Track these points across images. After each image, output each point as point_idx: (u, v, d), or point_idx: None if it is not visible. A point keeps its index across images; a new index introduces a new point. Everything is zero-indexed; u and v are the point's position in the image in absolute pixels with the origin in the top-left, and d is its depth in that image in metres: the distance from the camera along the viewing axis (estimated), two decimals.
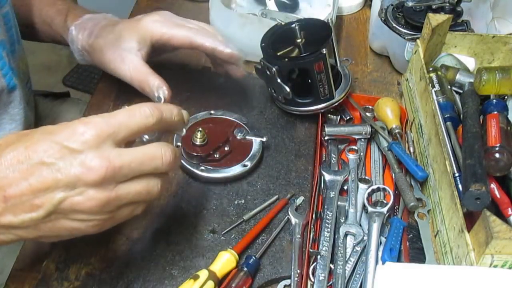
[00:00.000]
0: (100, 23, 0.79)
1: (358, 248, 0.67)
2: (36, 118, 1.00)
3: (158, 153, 0.51)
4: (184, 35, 0.73)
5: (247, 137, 0.78)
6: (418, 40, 0.82)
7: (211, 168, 0.74)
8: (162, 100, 0.70)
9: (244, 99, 0.86)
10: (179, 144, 0.75)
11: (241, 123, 0.80)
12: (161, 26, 0.73)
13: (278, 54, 0.79)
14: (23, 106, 0.78)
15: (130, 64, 0.73)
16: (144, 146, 0.51)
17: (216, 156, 0.74)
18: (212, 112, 0.81)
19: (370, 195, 0.71)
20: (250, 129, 0.79)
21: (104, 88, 0.87)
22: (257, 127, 0.81)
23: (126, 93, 0.79)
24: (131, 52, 0.73)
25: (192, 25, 0.76)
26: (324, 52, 0.75)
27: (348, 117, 0.85)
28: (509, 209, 0.64)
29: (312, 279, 0.63)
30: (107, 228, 0.52)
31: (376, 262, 0.63)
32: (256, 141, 0.77)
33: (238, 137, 0.78)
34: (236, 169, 0.74)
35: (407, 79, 0.86)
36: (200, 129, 0.74)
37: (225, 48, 0.74)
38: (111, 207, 0.50)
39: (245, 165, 0.75)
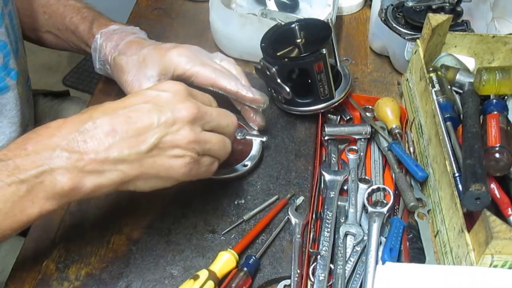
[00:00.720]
0: (127, 37, 0.78)
1: (358, 248, 0.67)
2: (36, 117, 1.00)
3: (229, 113, 0.63)
4: (208, 76, 0.73)
5: (247, 137, 0.77)
6: (418, 40, 0.82)
7: None
8: None
9: None
10: None
11: (241, 123, 0.80)
12: (186, 62, 0.73)
13: (278, 54, 0.79)
14: (19, 108, 0.78)
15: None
16: (215, 107, 0.62)
17: None
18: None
19: (370, 195, 0.71)
20: (250, 129, 0.79)
21: (104, 88, 0.87)
22: (266, 143, 0.80)
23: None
24: (150, 80, 0.73)
25: (218, 65, 0.75)
26: (324, 52, 0.75)
27: (348, 117, 0.85)
28: (509, 209, 0.64)
29: (312, 279, 0.63)
30: (193, 176, 0.60)
31: (376, 262, 0.63)
32: (256, 141, 0.77)
33: (238, 137, 0.78)
34: (236, 169, 0.74)
35: (407, 79, 0.86)
36: None
37: (247, 93, 0.74)
38: (200, 146, 0.58)
39: (245, 165, 0.75)
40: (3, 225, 0.51)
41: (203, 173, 0.61)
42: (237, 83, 0.73)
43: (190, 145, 0.57)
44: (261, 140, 0.77)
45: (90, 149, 0.53)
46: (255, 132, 0.79)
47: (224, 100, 0.75)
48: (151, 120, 0.55)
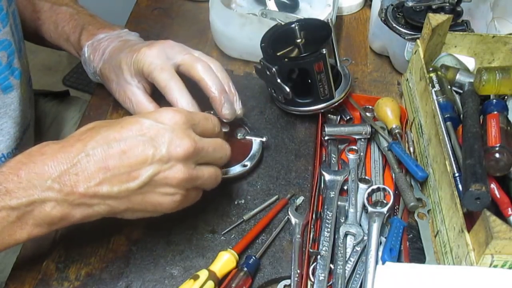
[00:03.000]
0: (111, 44, 0.77)
1: (358, 248, 0.67)
2: (36, 117, 1.00)
3: (224, 145, 0.62)
4: (161, 84, 0.69)
5: (247, 137, 0.78)
6: (418, 40, 0.82)
7: None
8: None
9: (244, 99, 0.86)
10: None
11: (241, 123, 0.80)
12: (149, 63, 0.69)
13: (278, 54, 0.79)
14: (22, 108, 0.78)
15: (132, 98, 0.73)
16: (212, 138, 0.61)
17: None
18: (212, 112, 0.81)
19: (370, 195, 0.71)
20: (250, 129, 0.79)
21: (104, 88, 0.87)
22: (257, 127, 0.81)
23: None
24: (132, 84, 0.73)
25: (183, 66, 0.70)
26: (324, 52, 0.75)
27: (348, 117, 0.85)
28: (509, 209, 0.64)
29: (312, 279, 0.63)
30: (180, 208, 0.60)
31: (376, 262, 0.63)
32: (256, 141, 0.77)
33: (238, 137, 0.78)
34: (235, 169, 0.74)
35: (407, 79, 0.86)
36: None
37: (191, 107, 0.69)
38: (191, 183, 0.57)
39: (244, 165, 0.75)
40: None
41: (188, 204, 0.61)
42: (181, 99, 0.68)
43: (181, 183, 0.56)
44: (261, 140, 0.77)
45: (81, 183, 0.52)
46: (254, 132, 0.79)
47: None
48: (145, 157, 0.54)
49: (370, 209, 0.69)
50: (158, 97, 0.73)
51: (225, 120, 0.73)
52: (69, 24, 0.83)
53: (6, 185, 0.51)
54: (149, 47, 0.71)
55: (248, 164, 0.75)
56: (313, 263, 0.65)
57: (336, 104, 0.81)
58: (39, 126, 1.00)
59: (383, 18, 0.92)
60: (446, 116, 0.74)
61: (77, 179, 0.52)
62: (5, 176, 0.52)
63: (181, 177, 0.55)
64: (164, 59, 0.70)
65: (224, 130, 0.72)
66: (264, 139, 0.77)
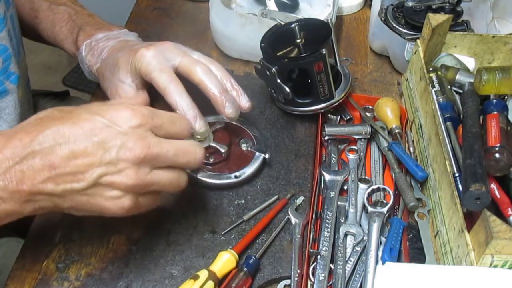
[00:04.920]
0: (109, 44, 0.77)
1: (358, 248, 0.67)
2: None
3: (192, 149, 0.57)
4: (160, 85, 0.68)
5: (250, 149, 0.76)
6: (418, 40, 0.82)
7: (201, 170, 0.72)
8: None
9: None
10: None
11: (251, 134, 0.79)
12: (148, 64, 0.68)
13: (278, 54, 0.79)
14: (19, 111, 0.77)
15: (123, 95, 0.72)
16: (180, 140, 0.57)
17: (210, 160, 0.73)
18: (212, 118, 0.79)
19: (370, 195, 0.71)
20: (258, 142, 0.78)
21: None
22: (265, 142, 0.79)
23: None
24: (125, 82, 0.72)
25: (182, 67, 0.69)
26: (324, 52, 0.75)
27: (348, 117, 0.85)
28: (509, 209, 0.64)
29: (312, 279, 0.63)
30: (130, 214, 0.56)
31: (376, 262, 0.63)
32: (258, 156, 0.75)
33: (243, 147, 0.76)
34: (225, 178, 0.73)
35: (407, 79, 0.86)
36: None
37: (191, 117, 0.67)
38: (143, 188, 0.54)
39: (236, 176, 0.73)
40: None
41: (145, 209, 0.58)
42: (181, 101, 0.67)
43: (129, 188, 0.53)
44: (263, 156, 0.75)
45: (26, 180, 0.51)
46: (260, 147, 0.77)
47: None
48: (93, 159, 0.52)
49: (370, 209, 0.69)
50: (153, 97, 0.73)
51: (229, 120, 0.71)
52: (67, 24, 0.83)
53: None
54: (148, 48, 0.70)
55: (240, 176, 0.73)
56: (313, 263, 0.65)
57: (336, 104, 0.81)
58: None
59: (383, 18, 0.92)
60: (446, 116, 0.74)
61: (22, 176, 0.51)
62: None
63: (128, 182, 0.52)
64: (163, 61, 0.69)
65: (221, 150, 0.72)
66: (267, 156, 0.75)
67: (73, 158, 0.51)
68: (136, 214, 0.57)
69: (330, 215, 0.69)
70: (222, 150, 0.73)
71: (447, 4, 0.88)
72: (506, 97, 0.76)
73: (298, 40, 0.83)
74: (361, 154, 0.79)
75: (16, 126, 0.54)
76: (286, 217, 0.70)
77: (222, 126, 0.77)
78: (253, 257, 0.64)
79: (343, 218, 0.70)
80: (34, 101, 1.04)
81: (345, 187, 0.74)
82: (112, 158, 0.52)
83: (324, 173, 0.74)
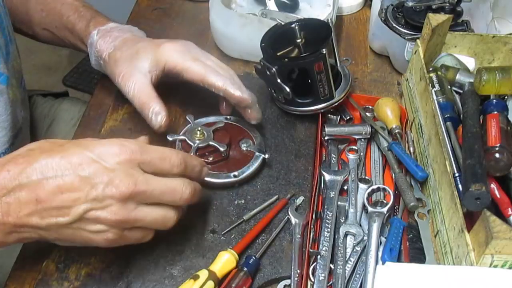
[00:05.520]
0: (124, 35, 0.78)
1: (358, 248, 0.67)
2: (35, 118, 1.00)
3: (179, 188, 0.57)
4: (197, 72, 0.72)
5: (250, 149, 0.76)
6: (418, 40, 0.82)
7: None
8: (158, 124, 0.70)
9: None
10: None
11: (251, 134, 0.79)
12: (178, 56, 0.73)
13: (278, 54, 0.79)
14: (10, 112, 0.77)
15: (136, 82, 0.72)
16: (169, 178, 0.57)
17: (210, 159, 0.73)
18: (228, 117, 0.80)
19: (370, 195, 0.71)
20: (257, 142, 0.78)
21: (104, 88, 0.87)
22: (265, 143, 0.79)
23: None
24: (141, 71, 0.73)
25: (210, 62, 0.75)
26: (324, 52, 0.75)
27: (348, 117, 0.85)
28: (509, 209, 0.64)
29: (312, 279, 0.63)
30: (115, 245, 0.57)
31: (376, 262, 0.63)
32: (257, 156, 0.75)
33: (242, 148, 0.76)
34: (224, 177, 0.73)
35: (407, 79, 0.86)
36: (200, 128, 0.74)
37: (235, 91, 0.72)
38: (128, 224, 0.55)
39: (235, 175, 0.73)
40: None
41: (133, 242, 0.59)
42: (225, 81, 0.72)
43: (115, 224, 0.54)
44: (263, 157, 0.75)
45: (12, 212, 0.52)
46: (260, 147, 0.77)
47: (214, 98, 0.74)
48: (79, 194, 0.52)
49: (370, 209, 0.69)
50: (164, 94, 0.73)
51: (255, 121, 0.77)
52: (75, 14, 0.83)
53: None
54: (173, 42, 0.74)
55: (238, 175, 0.73)
56: (313, 263, 0.65)
57: (336, 104, 0.81)
58: (37, 127, 1.00)
59: (383, 18, 0.92)
60: (446, 116, 0.74)
61: (8, 208, 0.51)
62: None
63: (113, 218, 0.53)
64: (192, 54, 0.74)
65: (221, 148, 0.73)
66: (266, 156, 0.75)
67: (59, 193, 0.52)
68: (119, 245, 0.58)
69: (330, 215, 0.69)
70: (221, 149, 0.73)
71: (447, 4, 0.87)
72: (506, 97, 0.76)
73: (298, 40, 0.83)
74: (361, 154, 0.79)
75: (6, 156, 0.55)
76: (286, 217, 0.70)
77: (222, 126, 0.77)
78: (253, 257, 0.64)
79: (343, 218, 0.70)
80: (34, 101, 1.04)
81: (345, 187, 0.74)
82: (98, 194, 0.52)
83: (324, 173, 0.74)
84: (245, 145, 0.77)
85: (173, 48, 0.74)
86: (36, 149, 0.54)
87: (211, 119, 0.79)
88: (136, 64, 0.73)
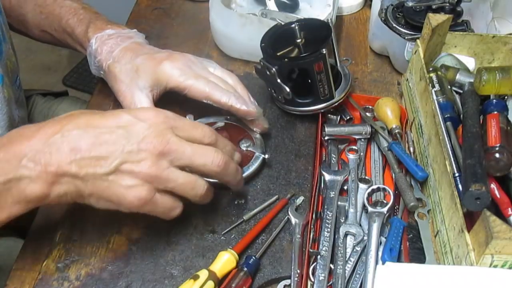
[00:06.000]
0: (122, 43, 0.77)
1: (358, 248, 0.67)
2: (34, 117, 1.00)
3: (210, 153, 0.60)
4: (201, 90, 0.72)
5: (250, 149, 0.76)
6: (418, 40, 0.82)
7: None
8: None
9: None
10: None
11: (251, 134, 0.78)
12: (179, 75, 0.73)
13: (278, 54, 0.79)
14: (5, 111, 0.76)
15: (138, 103, 0.73)
16: (202, 145, 0.60)
17: None
18: (228, 117, 0.80)
19: (370, 195, 0.71)
20: (257, 142, 0.77)
21: (104, 88, 0.87)
22: (265, 143, 0.79)
23: None
24: (143, 91, 0.73)
25: (213, 78, 0.74)
26: (324, 52, 0.75)
27: (348, 117, 0.85)
28: (509, 209, 0.64)
29: (312, 279, 0.63)
30: (149, 212, 0.59)
31: (376, 262, 0.63)
32: (257, 156, 0.75)
33: (242, 148, 0.76)
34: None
35: (407, 79, 0.86)
36: None
37: (241, 106, 0.73)
38: (160, 183, 0.57)
39: None
40: None
41: (161, 214, 0.60)
42: (230, 97, 0.72)
43: (148, 178, 0.56)
44: (263, 157, 0.75)
45: (53, 161, 0.54)
46: (260, 147, 0.77)
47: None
48: (116, 147, 0.56)
49: (370, 209, 0.69)
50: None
51: (262, 131, 0.78)
52: (74, 17, 0.83)
53: None
54: (173, 59, 0.74)
55: None
56: (313, 263, 0.65)
57: (336, 104, 0.81)
58: None
59: (383, 18, 0.92)
60: (446, 116, 0.74)
61: (50, 158, 0.54)
62: None
63: (147, 171, 0.56)
64: (193, 70, 0.74)
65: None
66: (266, 156, 0.75)
67: (98, 144, 0.55)
68: (149, 211, 0.59)
69: (330, 215, 0.69)
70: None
71: (447, 4, 0.87)
72: (506, 97, 0.76)
73: (298, 40, 0.83)
74: (361, 154, 0.79)
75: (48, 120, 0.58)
76: (286, 217, 0.70)
77: (222, 126, 0.77)
78: (253, 257, 0.64)
79: (343, 218, 0.70)
80: (34, 100, 1.04)
81: (345, 187, 0.74)
82: (133, 148, 0.56)
83: (324, 173, 0.74)
84: (245, 145, 0.77)
85: (173, 66, 0.73)
86: (76, 113, 0.58)
87: (211, 119, 0.79)
88: (137, 82, 0.73)
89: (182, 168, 0.58)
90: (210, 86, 0.72)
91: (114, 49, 0.77)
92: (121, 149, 0.55)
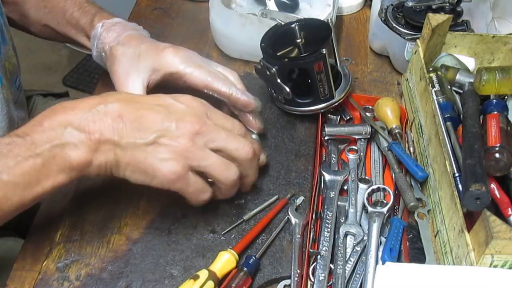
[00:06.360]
0: (129, 32, 0.78)
1: (358, 248, 0.67)
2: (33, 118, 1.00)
3: (242, 140, 0.63)
4: (201, 77, 0.72)
5: None
6: (418, 40, 0.82)
7: None
8: None
9: None
10: None
11: (249, 135, 0.74)
12: (180, 62, 0.73)
13: (278, 54, 0.79)
14: (5, 112, 0.76)
15: (130, 86, 0.73)
16: (230, 131, 0.63)
17: None
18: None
19: (370, 195, 0.71)
20: (255, 138, 0.75)
21: (104, 89, 0.87)
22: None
23: None
24: (139, 75, 0.73)
25: (213, 69, 0.75)
26: (324, 52, 0.75)
27: (348, 117, 0.85)
28: (509, 209, 0.64)
29: (312, 279, 0.63)
30: (179, 190, 0.62)
31: (376, 262, 0.63)
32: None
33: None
34: None
35: (407, 79, 0.86)
36: None
37: (241, 96, 0.73)
38: (194, 159, 0.59)
39: None
40: (23, 196, 0.55)
41: (191, 195, 0.63)
42: (230, 87, 0.73)
43: (184, 153, 0.59)
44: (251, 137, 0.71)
45: (97, 129, 0.57)
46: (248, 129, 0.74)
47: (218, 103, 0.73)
48: (156, 121, 0.59)
49: (370, 209, 0.69)
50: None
51: (257, 131, 0.77)
52: (79, 10, 0.83)
53: (31, 136, 0.56)
54: (177, 48, 0.75)
55: None
56: (313, 263, 0.65)
57: (336, 104, 0.81)
58: None
59: (383, 18, 0.92)
60: (446, 116, 0.74)
61: (94, 126, 0.57)
62: (31, 128, 0.57)
63: (183, 146, 0.58)
64: (195, 61, 0.74)
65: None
66: (254, 137, 0.74)
67: (139, 117, 0.59)
68: (180, 189, 0.61)
69: (330, 215, 0.69)
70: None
71: (447, 4, 0.87)
72: (506, 97, 0.76)
73: (298, 40, 0.83)
74: (361, 154, 0.79)
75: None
76: (286, 217, 0.70)
77: None
78: (253, 257, 0.64)
79: (343, 218, 0.70)
80: (34, 101, 1.04)
81: (345, 187, 0.74)
82: (172, 125, 0.59)
83: (324, 173, 0.74)
84: None
85: (176, 53, 0.73)
86: (116, 92, 0.65)
87: None
88: (136, 65, 0.73)
89: (216, 151, 0.61)
90: (211, 76, 0.73)
91: (120, 34, 0.77)
92: (161, 123, 0.59)
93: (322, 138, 0.80)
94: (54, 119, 0.57)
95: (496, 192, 0.65)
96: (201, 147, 0.60)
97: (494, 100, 0.72)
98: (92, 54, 0.82)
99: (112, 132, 0.58)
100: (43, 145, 0.56)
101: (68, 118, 0.57)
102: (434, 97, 0.74)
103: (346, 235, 0.68)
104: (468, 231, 0.59)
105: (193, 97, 0.63)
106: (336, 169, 0.76)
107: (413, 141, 0.81)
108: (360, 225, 0.69)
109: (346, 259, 0.66)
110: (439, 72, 0.80)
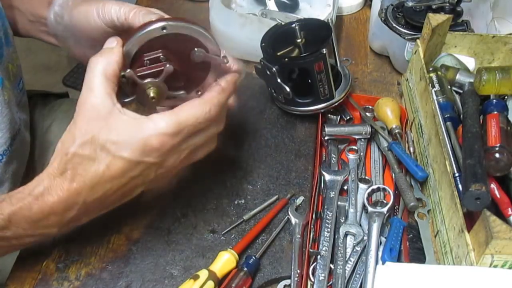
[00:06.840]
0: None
1: (358, 248, 0.67)
2: (35, 118, 1.00)
3: (208, 130, 0.60)
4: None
5: (206, 59, 0.61)
6: (418, 40, 0.82)
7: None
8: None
9: (244, 99, 0.86)
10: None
11: (201, 41, 0.60)
12: (120, 7, 0.63)
13: (278, 54, 0.79)
14: (7, 113, 0.76)
15: (124, 5, 0.64)
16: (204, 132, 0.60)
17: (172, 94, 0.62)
18: (164, 26, 0.58)
19: (370, 195, 0.71)
20: (213, 48, 0.61)
21: None
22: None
23: None
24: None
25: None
26: (324, 52, 0.75)
27: (348, 117, 0.85)
28: (509, 209, 0.64)
29: (312, 279, 0.63)
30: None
31: (376, 262, 0.63)
32: (216, 59, 0.61)
33: (196, 59, 0.60)
34: (187, 97, 0.61)
35: (407, 79, 0.86)
36: (151, 86, 0.60)
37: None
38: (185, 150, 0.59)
39: (198, 91, 0.63)
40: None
41: (204, 153, 0.62)
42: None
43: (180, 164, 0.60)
44: (222, 57, 0.61)
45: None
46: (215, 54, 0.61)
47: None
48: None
49: (370, 209, 0.69)
50: None
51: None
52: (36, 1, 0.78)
53: None
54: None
55: (201, 91, 0.62)
56: (313, 263, 0.65)
57: (336, 104, 0.81)
58: (37, 127, 0.99)
59: (383, 18, 0.92)
60: (446, 116, 0.74)
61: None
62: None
63: (173, 165, 0.59)
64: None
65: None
66: (224, 60, 0.61)
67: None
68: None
69: (330, 215, 0.69)
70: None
71: (447, 4, 0.88)
72: (506, 97, 0.76)
73: (299, 40, 0.83)
74: (361, 154, 0.79)
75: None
76: (286, 217, 0.70)
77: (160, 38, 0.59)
78: (253, 257, 0.64)
79: (343, 218, 0.70)
80: (34, 101, 1.04)
81: (345, 187, 0.74)
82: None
83: (324, 173, 0.74)
84: (196, 53, 0.60)
85: (116, 2, 0.65)
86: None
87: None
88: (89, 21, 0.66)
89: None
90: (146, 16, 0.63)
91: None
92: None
93: (322, 138, 0.80)
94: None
95: (496, 192, 0.65)
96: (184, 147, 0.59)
97: (494, 100, 0.72)
98: (49, 28, 0.75)
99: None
100: None
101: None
102: (434, 97, 0.74)
103: (346, 235, 0.68)
104: (468, 231, 0.59)
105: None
106: (336, 169, 0.76)
107: (413, 141, 0.81)
108: (360, 225, 0.69)
109: (346, 259, 0.66)
110: (439, 72, 0.80)
